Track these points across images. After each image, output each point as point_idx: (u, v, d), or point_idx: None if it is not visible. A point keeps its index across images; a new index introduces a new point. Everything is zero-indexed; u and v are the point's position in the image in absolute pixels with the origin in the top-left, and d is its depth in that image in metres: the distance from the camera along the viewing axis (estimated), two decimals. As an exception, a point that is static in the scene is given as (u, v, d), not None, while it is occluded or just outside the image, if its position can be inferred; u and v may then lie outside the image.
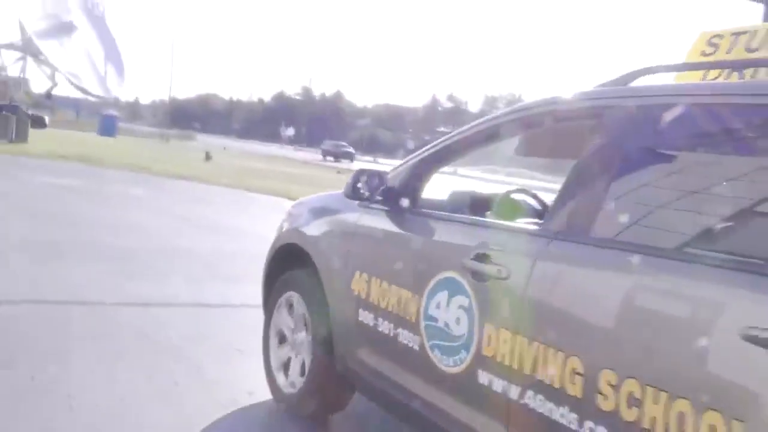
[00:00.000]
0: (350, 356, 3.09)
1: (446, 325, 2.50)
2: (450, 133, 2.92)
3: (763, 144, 1.95)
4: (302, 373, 3.37)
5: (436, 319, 2.55)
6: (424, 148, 3.03)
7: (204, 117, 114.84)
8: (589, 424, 1.94)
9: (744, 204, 1.96)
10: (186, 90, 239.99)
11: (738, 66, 2.26)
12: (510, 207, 3.10)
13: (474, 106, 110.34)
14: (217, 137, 59.38)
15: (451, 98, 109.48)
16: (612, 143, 2.21)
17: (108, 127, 46.00)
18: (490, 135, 2.82)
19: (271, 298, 3.71)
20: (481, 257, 2.38)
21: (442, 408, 2.52)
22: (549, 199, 3.34)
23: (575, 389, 1.98)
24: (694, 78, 2.40)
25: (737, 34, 2.41)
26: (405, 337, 2.71)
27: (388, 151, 63.65)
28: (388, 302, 2.82)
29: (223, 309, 5.35)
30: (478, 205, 3.16)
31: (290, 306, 3.54)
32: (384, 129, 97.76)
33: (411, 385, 2.71)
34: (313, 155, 50.83)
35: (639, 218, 2.08)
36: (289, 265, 3.63)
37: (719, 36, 2.48)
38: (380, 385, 2.90)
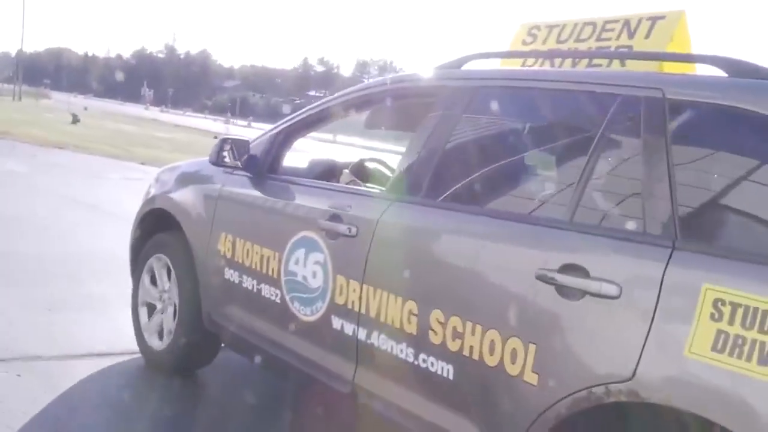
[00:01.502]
0: (217, 312, 3.32)
1: (304, 278, 2.80)
2: (307, 106, 3.19)
3: (563, 121, 2.40)
4: (170, 331, 3.56)
5: (295, 274, 2.84)
6: (282, 120, 3.29)
7: (55, 73, 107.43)
8: (422, 355, 2.31)
9: (551, 171, 2.39)
10: (34, 43, 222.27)
11: (548, 56, 2.68)
12: (363, 173, 3.42)
13: (346, 71, 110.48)
14: (72, 95, 55.69)
15: (322, 62, 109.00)
16: (444, 118, 2.57)
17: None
18: (342, 109, 3.12)
19: (139, 261, 3.86)
20: (334, 218, 2.69)
21: (301, 353, 2.83)
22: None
23: (411, 327, 2.35)
24: (515, 64, 2.80)
25: (551, 27, 2.83)
26: (267, 291, 2.99)
27: (260, 115, 62.53)
28: (251, 261, 3.08)
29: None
30: (335, 172, 3.47)
31: (159, 267, 3.70)
32: (253, 91, 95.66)
33: (273, 335, 2.99)
34: (182, 117, 48.74)
35: (462, 182, 2.46)
36: (155, 230, 3.80)
37: (537, 28, 2.88)
38: (246, 337, 3.17)
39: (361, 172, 3.42)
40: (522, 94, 2.45)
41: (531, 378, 2.00)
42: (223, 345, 3.54)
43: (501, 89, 2.51)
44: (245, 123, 45.27)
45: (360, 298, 2.54)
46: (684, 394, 1.69)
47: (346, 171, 3.39)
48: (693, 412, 1.67)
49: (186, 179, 3.70)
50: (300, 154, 3.53)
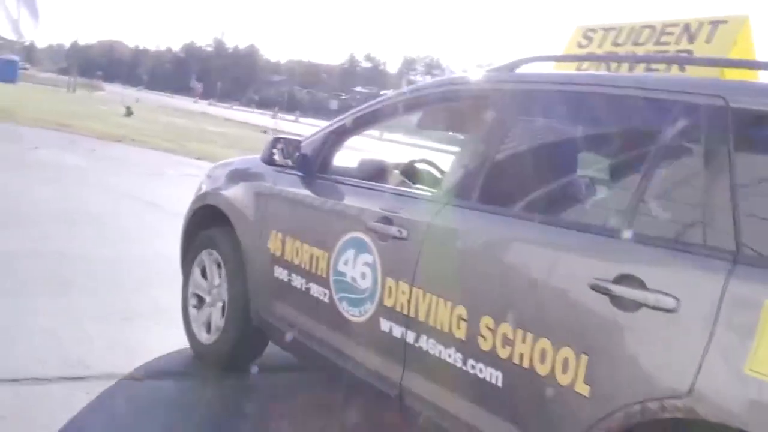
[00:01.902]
0: (265, 309, 3.36)
1: (353, 279, 2.81)
2: (359, 105, 3.20)
3: (620, 128, 2.36)
4: (218, 327, 3.62)
5: (344, 274, 2.85)
6: (335, 119, 3.31)
7: (107, 65, 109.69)
8: (471, 361, 2.30)
9: (607, 178, 2.35)
10: (87, 35, 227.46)
11: (606, 59, 2.64)
12: (413, 174, 3.42)
13: (392, 67, 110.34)
14: (123, 87, 56.72)
15: (369, 58, 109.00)
16: (497, 122, 2.55)
17: (7, 72, 43.11)
18: (395, 110, 3.12)
19: (190, 256, 3.93)
20: (384, 219, 2.70)
21: (348, 353, 2.85)
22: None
23: (461, 333, 2.34)
24: (570, 68, 2.76)
25: (607, 29, 2.78)
26: (316, 290, 3.01)
27: (307, 110, 62.87)
28: (301, 259, 3.11)
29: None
30: (385, 172, 3.47)
31: (210, 261, 3.76)
32: (300, 86, 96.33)
33: (321, 334, 3.02)
34: (230, 111, 49.21)
35: (518, 187, 2.44)
36: (205, 226, 3.86)
37: (593, 30, 2.84)
38: (294, 335, 3.20)
39: (411, 174, 3.42)
40: (578, 99, 2.40)
41: (582, 389, 1.97)
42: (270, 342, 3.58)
43: (558, 93, 2.47)
44: (293, 118, 45.52)
45: (409, 301, 2.54)
46: (743, 412, 1.65)
47: (396, 172, 3.39)
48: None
49: (237, 177, 3.75)
50: (349, 152, 3.54)
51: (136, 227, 6.99)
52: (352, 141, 3.37)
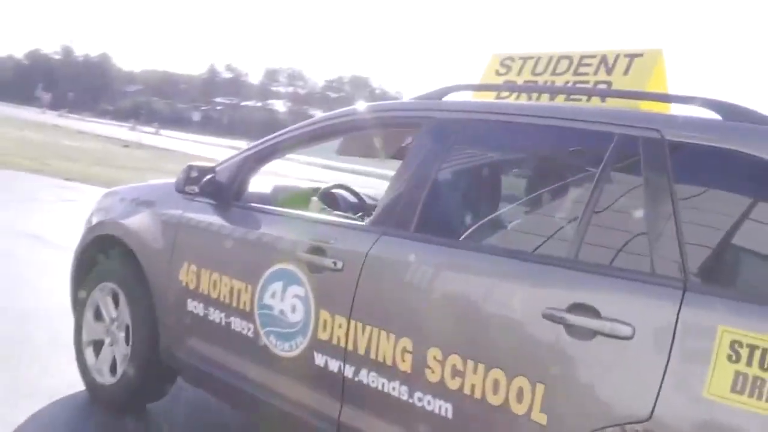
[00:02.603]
0: (177, 345, 3.16)
1: (282, 312, 2.70)
2: (278, 131, 3.10)
3: (561, 158, 2.43)
4: (120, 364, 3.37)
5: (271, 308, 2.74)
6: (250, 146, 3.19)
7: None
8: (418, 394, 2.27)
9: (544, 204, 2.41)
10: None
11: (527, 90, 2.72)
12: (332, 201, 3.35)
13: (255, 78, 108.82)
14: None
15: (230, 68, 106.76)
16: (432, 150, 2.55)
17: None
18: (314, 137, 3.04)
19: (84, 290, 3.63)
20: (316, 250, 2.61)
21: (278, 390, 2.73)
22: (365, 192, 3.67)
23: (406, 365, 2.30)
24: (489, 96, 2.82)
25: (525, 58, 2.87)
26: (238, 325, 2.87)
27: (166, 121, 60.52)
28: (219, 292, 2.95)
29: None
30: (301, 199, 3.38)
31: (103, 296, 3.50)
32: (157, 97, 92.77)
33: (245, 370, 2.87)
34: (83, 123, 46.02)
35: (460, 217, 2.45)
36: (97, 260, 3.60)
37: (511, 59, 2.91)
38: (211, 372, 3.02)
39: (329, 200, 3.35)
40: (519, 129, 2.44)
41: (539, 418, 2.00)
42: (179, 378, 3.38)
43: (497, 123, 2.50)
44: (153, 130, 43.70)
45: (347, 334, 2.48)
46: None
47: (315, 199, 3.31)
48: None
49: (137, 204, 3.51)
50: (259, 177, 3.40)
51: (28, 268, 5.85)
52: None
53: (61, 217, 8.50)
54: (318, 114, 3.07)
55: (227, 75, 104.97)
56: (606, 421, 1.87)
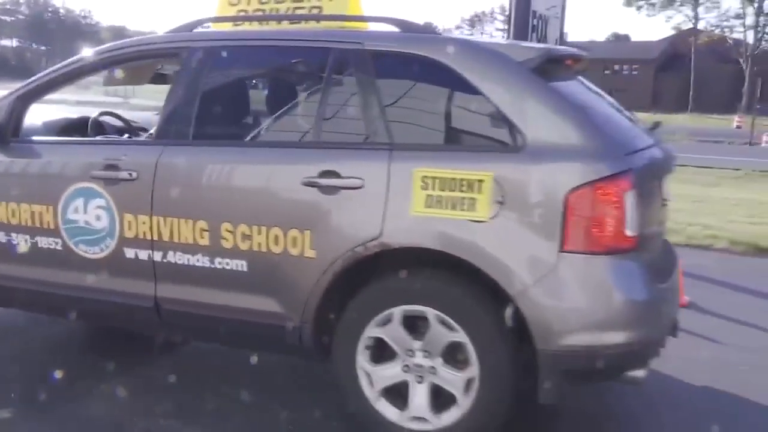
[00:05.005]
0: None
1: (87, 223, 3.23)
2: (49, 68, 3.48)
3: (299, 69, 3.27)
4: None
5: (76, 221, 3.24)
6: (22, 85, 3.51)
7: None
8: (218, 259, 3.03)
9: (289, 105, 3.25)
10: None
11: (258, 19, 3.48)
12: (102, 126, 3.82)
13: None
14: None
15: None
16: (195, 73, 3.20)
17: None
18: (84, 71, 3.48)
19: None
20: (111, 167, 3.17)
21: (94, 286, 3.27)
22: (129, 117, 4.18)
23: (205, 241, 3.03)
24: (227, 26, 3.54)
25: None
26: (45, 242, 3.32)
27: None
28: (20, 218, 3.35)
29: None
30: (74, 128, 3.79)
31: None
32: None
33: (56, 278, 3.35)
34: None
35: (222, 123, 3.20)
36: None
37: None
38: (24, 288, 3.44)
39: (100, 127, 3.81)
40: (260, 51, 3.23)
41: (310, 253, 2.88)
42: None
43: (243, 48, 3.25)
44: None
45: (151, 228, 3.11)
46: (413, 236, 2.75)
47: (88, 126, 3.75)
48: (421, 246, 2.74)
49: None
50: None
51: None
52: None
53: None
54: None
55: None
56: (353, 243, 2.81)
